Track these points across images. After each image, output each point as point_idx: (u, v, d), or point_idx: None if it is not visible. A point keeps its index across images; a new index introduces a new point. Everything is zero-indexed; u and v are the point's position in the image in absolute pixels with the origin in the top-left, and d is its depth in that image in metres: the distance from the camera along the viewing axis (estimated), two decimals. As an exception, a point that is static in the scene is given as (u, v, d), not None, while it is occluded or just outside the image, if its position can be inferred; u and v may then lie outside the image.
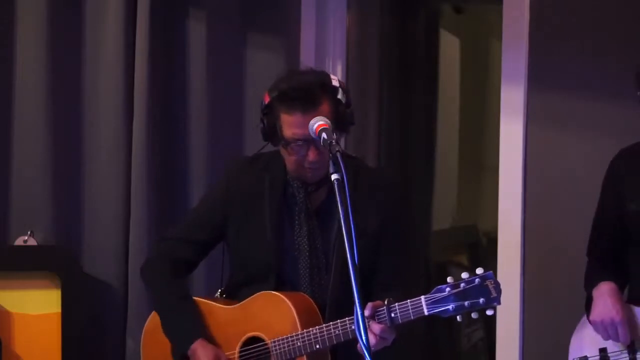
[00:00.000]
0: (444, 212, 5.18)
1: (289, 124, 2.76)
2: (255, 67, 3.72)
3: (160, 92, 3.66)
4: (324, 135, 2.58)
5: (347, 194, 2.40)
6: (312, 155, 2.77)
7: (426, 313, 2.59)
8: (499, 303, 2.55)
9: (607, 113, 3.44)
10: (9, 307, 3.52)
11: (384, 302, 2.65)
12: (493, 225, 3.75)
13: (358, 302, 2.32)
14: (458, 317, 2.57)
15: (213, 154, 3.68)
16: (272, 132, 2.81)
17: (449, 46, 5.22)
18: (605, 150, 3.41)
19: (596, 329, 2.88)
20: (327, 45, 3.97)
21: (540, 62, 3.52)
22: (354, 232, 2.35)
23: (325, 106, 2.75)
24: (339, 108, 2.78)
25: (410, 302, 2.62)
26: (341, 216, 2.38)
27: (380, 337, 2.65)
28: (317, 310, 2.84)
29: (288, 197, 2.92)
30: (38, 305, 3.54)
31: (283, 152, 2.84)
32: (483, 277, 2.55)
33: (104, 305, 3.64)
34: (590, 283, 2.96)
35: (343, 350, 2.80)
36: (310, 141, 2.73)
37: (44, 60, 3.64)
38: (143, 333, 3.10)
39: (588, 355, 2.91)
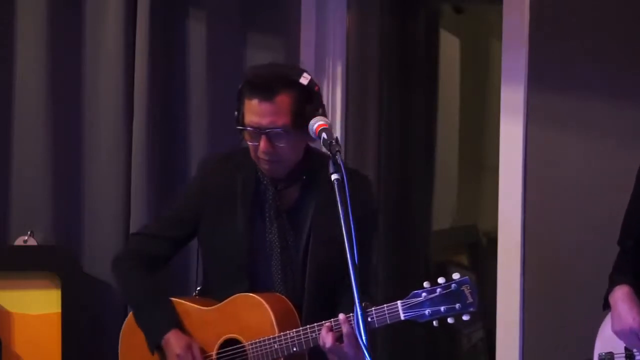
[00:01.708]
0: (444, 212, 5.18)
1: (248, 110, 2.79)
2: (255, 67, 3.72)
3: (160, 92, 3.66)
4: (324, 135, 2.58)
5: (348, 194, 2.40)
6: (262, 145, 2.78)
7: (402, 317, 2.61)
8: (475, 309, 2.56)
9: (607, 113, 3.43)
10: (9, 307, 3.52)
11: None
12: (493, 225, 3.75)
13: (358, 302, 2.33)
14: (434, 322, 2.58)
15: (213, 154, 3.68)
16: (238, 119, 2.84)
17: (449, 46, 5.22)
18: (605, 150, 3.41)
19: (620, 338, 2.86)
20: (327, 45, 3.96)
21: (540, 62, 3.52)
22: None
23: (283, 98, 2.75)
24: (304, 105, 2.77)
25: (386, 306, 2.62)
26: (341, 216, 2.39)
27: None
28: (295, 311, 2.85)
29: (260, 195, 2.93)
30: (38, 305, 3.54)
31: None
32: (459, 283, 2.56)
33: (104, 305, 3.64)
34: (610, 281, 2.93)
35: (321, 353, 2.78)
36: (262, 131, 2.76)
37: (44, 60, 3.64)
38: (120, 336, 3.09)
39: (614, 352, 2.90)
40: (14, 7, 3.66)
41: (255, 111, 2.76)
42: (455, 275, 2.57)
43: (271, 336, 2.79)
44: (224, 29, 3.71)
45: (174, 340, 2.89)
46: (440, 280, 2.59)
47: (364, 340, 2.30)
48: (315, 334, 2.72)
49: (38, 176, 3.65)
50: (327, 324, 2.70)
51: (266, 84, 2.76)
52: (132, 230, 3.60)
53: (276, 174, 2.86)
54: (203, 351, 2.90)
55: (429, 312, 2.57)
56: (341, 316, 2.67)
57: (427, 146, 4.96)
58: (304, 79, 2.80)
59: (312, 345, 2.74)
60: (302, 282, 2.88)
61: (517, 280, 3.55)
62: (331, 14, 3.97)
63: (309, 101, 2.78)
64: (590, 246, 3.42)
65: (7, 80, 3.67)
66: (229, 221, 2.92)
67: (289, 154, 2.81)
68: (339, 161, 2.46)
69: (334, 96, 3.99)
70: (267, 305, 2.81)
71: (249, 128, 2.79)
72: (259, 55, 3.71)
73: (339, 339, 2.67)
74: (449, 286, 2.57)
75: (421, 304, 2.58)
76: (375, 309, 2.63)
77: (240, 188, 2.93)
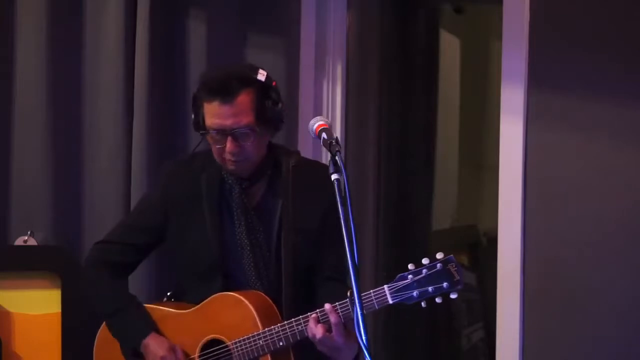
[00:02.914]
0: (444, 212, 5.18)
1: (209, 113, 2.80)
2: (255, 67, 3.72)
3: (161, 92, 3.66)
4: (324, 135, 2.58)
5: (348, 195, 2.41)
6: (229, 146, 2.79)
7: (390, 302, 2.61)
8: (463, 286, 2.57)
9: (607, 113, 3.43)
10: (9, 307, 3.52)
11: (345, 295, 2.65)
12: (493, 225, 3.75)
13: (358, 302, 2.32)
14: (422, 303, 2.59)
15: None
16: (198, 123, 2.85)
17: (449, 46, 5.22)
18: (605, 150, 3.41)
19: None
20: (327, 45, 3.96)
21: (540, 62, 3.52)
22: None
23: (244, 98, 2.77)
24: (264, 102, 2.80)
25: (373, 292, 2.63)
26: (341, 217, 2.39)
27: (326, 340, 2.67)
28: (274, 306, 2.84)
29: (226, 194, 2.93)
30: (38, 305, 3.54)
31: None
32: (445, 262, 2.58)
33: (104, 305, 3.64)
34: None
35: (305, 346, 2.78)
36: (227, 132, 2.77)
37: (44, 60, 3.64)
38: (94, 350, 3.06)
39: None
40: (14, 7, 3.66)
41: (216, 113, 2.77)
42: (439, 255, 2.59)
43: (255, 333, 2.79)
44: (224, 29, 3.71)
45: (154, 344, 2.88)
46: (425, 260, 2.59)
47: (364, 341, 2.29)
48: (302, 327, 2.72)
49: (38, 176, 3.65)
50: (313, 316, 2.70)
51: (224, 85, 2.77)
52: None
53: (243, 173, 2.88)
54: (185, 354, 2.89)
55: (416, 293, 2.58)
56: (327, 306, 2.67)
57: (427, 146, 4.96)
58: (261, 75, 2.82)
59: (299, 339, 2.74)
60: (278, 276, 2.88)
61: (517, 280, 3.55)
62: (331, 13, 3.96)
63: (268, 97, 2.81)
64: (591, 246, 3.42)
65: (7, 80, 3.67)
66: (197, 223, 2.92)
67: (255, 151, 2.83)
68: (339, 161, 2.47)
69: (334, 96, 3.99)
70: (247, 302, 2.80)
71: (212, 131, 2.80)
72: (259, 55, 3.71)
73: (328, 329, 2.68)
74: (435, 266, 2.58)
75: (408, 286, 2.58)
76: (362, 295, 2.61)
77: (205, 189, 2.93)
